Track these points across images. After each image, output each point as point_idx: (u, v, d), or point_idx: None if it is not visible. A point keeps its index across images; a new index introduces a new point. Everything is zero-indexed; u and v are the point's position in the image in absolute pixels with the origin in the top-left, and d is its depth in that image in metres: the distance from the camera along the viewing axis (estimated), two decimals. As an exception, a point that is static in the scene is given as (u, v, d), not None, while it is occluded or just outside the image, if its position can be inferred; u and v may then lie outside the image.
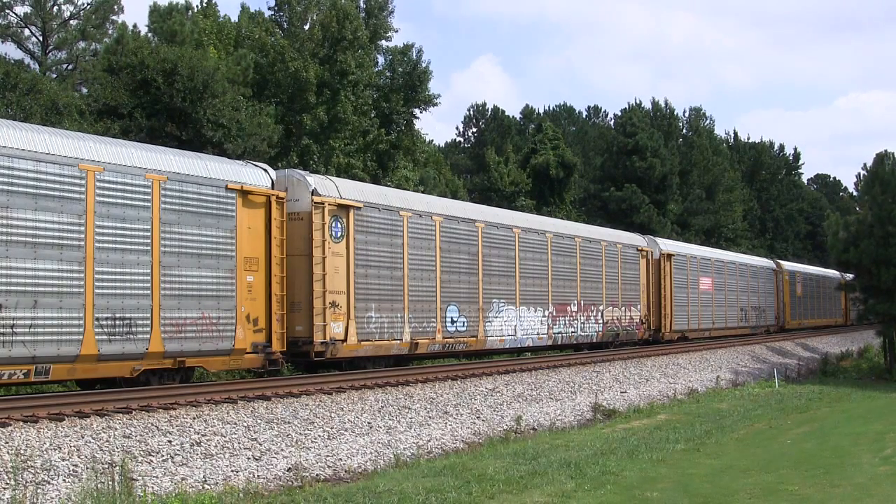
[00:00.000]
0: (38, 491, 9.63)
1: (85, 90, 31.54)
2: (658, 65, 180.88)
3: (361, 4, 41.61)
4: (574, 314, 27.77)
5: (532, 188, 56.61)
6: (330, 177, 21.02)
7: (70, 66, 36.27)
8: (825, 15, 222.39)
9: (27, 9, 36.12)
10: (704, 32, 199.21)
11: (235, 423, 12.98)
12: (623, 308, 30.69)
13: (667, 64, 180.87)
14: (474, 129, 75.34)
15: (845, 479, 11.70)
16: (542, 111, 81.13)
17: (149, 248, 14.79)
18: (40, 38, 36.57)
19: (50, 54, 36.72)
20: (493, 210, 26.83)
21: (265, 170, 17.47)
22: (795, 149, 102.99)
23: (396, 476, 11.65)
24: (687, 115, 75.18)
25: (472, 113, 75.84)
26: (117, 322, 14.20)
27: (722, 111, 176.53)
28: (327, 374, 18.68)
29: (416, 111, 42.73)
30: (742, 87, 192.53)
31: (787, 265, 51.59)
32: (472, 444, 14.98)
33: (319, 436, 13.51)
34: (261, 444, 12.54)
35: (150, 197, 14.87)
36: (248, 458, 12.00)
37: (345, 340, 18.61)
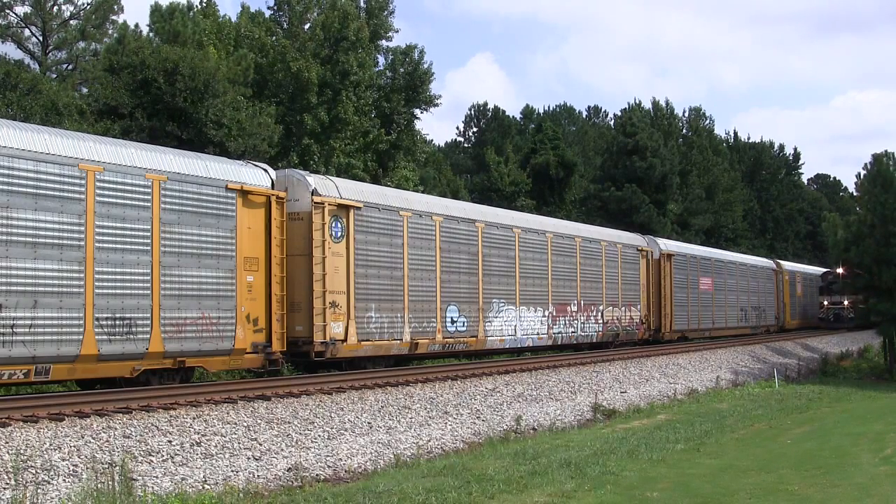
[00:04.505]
0: (38, 491, 9.63)
1: (85, 90, 31.55)
2: (653, 64, 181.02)
3: (362, 4, 41.61)
4: (574, 314, 27.78)
5: (532, 188, 56.60)
6: (330, 177, 21.03)
7: (70, 66, 36.29)
8: (820, 14, 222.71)
9: (27, 9, 36.16)
10: (699, 32, 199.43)
11: (235, 423, 12.98)
12: (623, 308, 30.70)
13: (662, 63, 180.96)
14: (475, 129, 75.38)
15: (845, 479, 11.69)
16: (541, 111, 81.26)
17: (149, 248, 14.80)
18: (40, 38, 36.58)
19: (50, 54, 36.73)
20: (493, 210, 26.83)
21: (265, 170, 17.47)
22: (795, 149, 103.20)
23: (396, 476, 11.65)
24: (686, 114, 75.26)
25: (472, 113, 75.91)
26: (117, 322, 14.21)
27: (718, 110, 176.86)
28: (327, 374, 18.68)
29: (417, 111, 42.74)
30: (738, 87, 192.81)
31: (787, 265, 51.63)
32: (472, 444, 14.97)
33: (319, 436, 13.51)
34: (261, 444, 12.54)
35: (150, 197, 14.88)
36: (248, 458, 12.00)
37: (345, 340, 18.62)
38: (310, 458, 12.51)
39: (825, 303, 52.92)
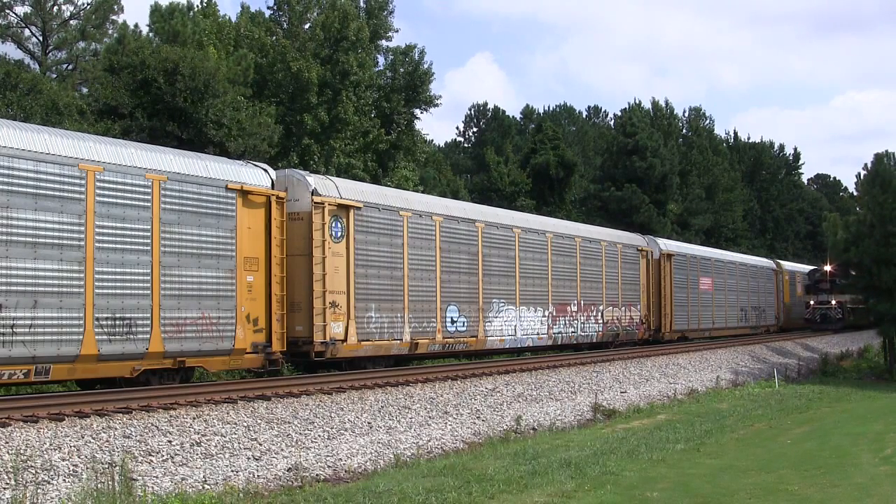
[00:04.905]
0: (38, 491, 9.63)
1: (85, 90, 31.57)
2: (653, 64, 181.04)
3: (362, 4, 41.62)
4: (574, 314, 27.77)
5: (532, 188, 56.60)
6: (330, 177, 21.03)
7: (70, 66, 36.30)
8: (820, 14, 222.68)
9: (27, 9, 36.17)
10: (698, 32, 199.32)
11: (235, 423, 12.99)
12: (623, 308, 30.70)
13: (662, 63, 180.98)
14: (475, 129, 75.45)
15: (845, 479, 11.70)
16: (541, 111, 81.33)
17: (149, 248, 14.80)
18: (40, 38, 36.59)
19: (50, 54, 36.74)
20: (493, 210, 26.84)
21: (265, 170, 17.48)
22: (795, 149, 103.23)
23: (396, 476, 11.65)
24: (686, 114, 75.29)
25: (472, 113, 76.00)
26: (117, 322, 14.21)
27: (718, 110, 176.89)
28: (327, 374, 18.68)
29: (417, 111, 42.76)
30: (737, 86, 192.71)
31: (787, 265, 51.55)
32: (472, 444, 14.97)
33: (319, 436, 13.51)
34: (261, 444, 12.54)
35: (150, 197, 14.88)
36: (248, 458, 12.00)
37: (345, 340, 18.62)
38: (310, 458, 12.51)
39: (811, 302, 49.55)
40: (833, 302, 48.01)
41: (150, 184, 14.91)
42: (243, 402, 14.14)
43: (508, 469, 11.85)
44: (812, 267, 54.06)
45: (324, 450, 12.99)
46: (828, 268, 47.16)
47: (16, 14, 36.26)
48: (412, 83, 41.61)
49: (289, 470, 11.85)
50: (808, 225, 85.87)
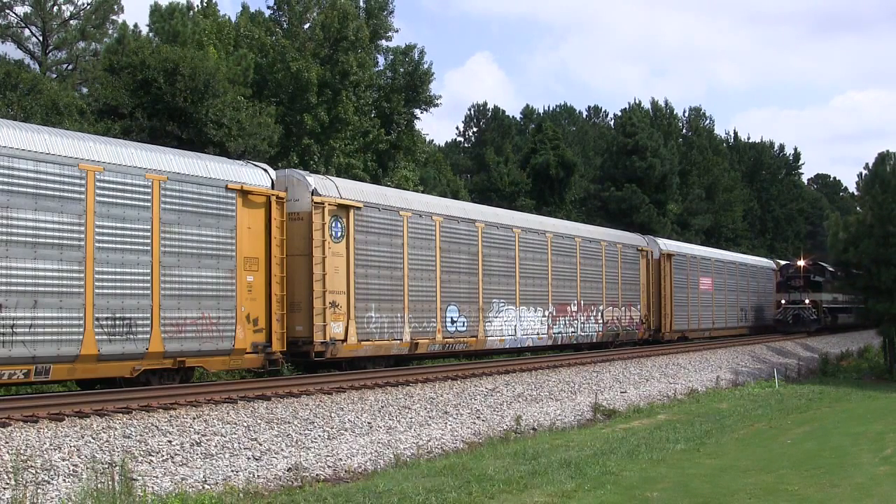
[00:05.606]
0: (38, 491, 9.63)
1: (85, 90, 31.56)
2: (653, 64, 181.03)
3: (361, 4, 41.61)
4: (574, 314, 27.78)
5: (532, 188, 56.59)
6: (330, 177, 21.03)
7: (70, 66, 36.28)
8: (820, 13, 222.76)
9: (27, 9, 36.14)
10: (699, 32, 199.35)
11: (235, 423, 12.99)
12: (623, 308, 30.70)
13: (661, 63, 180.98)
14: (474, 129, 75.41)
15: (845, 479, 11.69)
16: (541, 111, 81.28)
17: (149, 248, 14.80)
18: (40, 38, 36.56)
19: (50, 54, 36.71)
20: (493, 210, 26.83)
21: (265, 170, 17.48)
22: (795, 149, 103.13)
23: (396, 476, 11.65)
24: (686, 114, 75.29)
25: (472, 113, 75.94)
26: (117, 322, 14.21)
27: (717, 110, 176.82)
28: (327, 374, 18.68)
29: (417, 111, 42.75)
30: (737, 86, 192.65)
31: (788, 265, 51.42)
32: (472, 444, 14.98)
33: (319, 436, 13.52)
34: (261, 444, 12.54)
35: (150, 197, 14.88)
36: (248, 458, 12.01)
37: (345, 340, 18.62)
38: (310, 458, 12.51)
39: (783, 301, 44.73)
40: (807, 301, 43.86)
41: (150, 184, 14.91)
42: (243, 402, 14.15)
43: (508, 469, 11.85)
44: (784, 262, 49.85)
45: (324, 450, 12.99)
46: (801, 263, 44.45)
47: (16, 14, 36.25)
48: (412, 83, 41.58)
49: (289, 470, 11.86)
50: (808, 225, 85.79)
